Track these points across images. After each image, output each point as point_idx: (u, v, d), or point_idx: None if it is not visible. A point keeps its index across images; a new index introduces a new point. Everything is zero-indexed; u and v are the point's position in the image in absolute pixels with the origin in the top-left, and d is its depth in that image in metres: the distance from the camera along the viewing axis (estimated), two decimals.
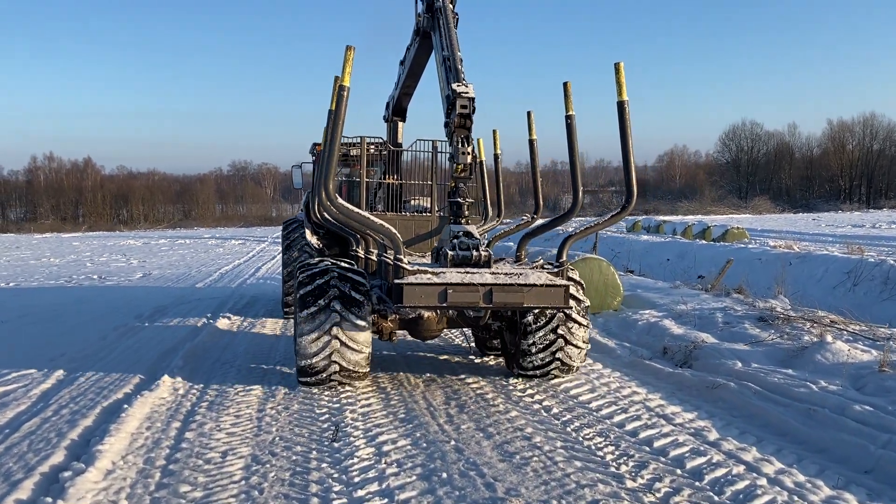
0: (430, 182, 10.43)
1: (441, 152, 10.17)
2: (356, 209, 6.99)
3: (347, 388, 7.29)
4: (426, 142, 10.30)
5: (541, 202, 9.50)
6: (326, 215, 8.60)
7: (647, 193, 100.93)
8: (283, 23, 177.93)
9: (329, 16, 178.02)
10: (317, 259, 7.70)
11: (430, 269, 6.49)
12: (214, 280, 19.19)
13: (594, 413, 6.46)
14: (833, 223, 44.42)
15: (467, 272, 6.49)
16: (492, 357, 8.88)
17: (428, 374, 7.92)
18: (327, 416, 6.36)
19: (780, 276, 14.39)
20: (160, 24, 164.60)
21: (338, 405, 6.70)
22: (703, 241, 26.63)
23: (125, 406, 6.28)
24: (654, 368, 8.17)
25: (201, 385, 7.40)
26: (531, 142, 9.22)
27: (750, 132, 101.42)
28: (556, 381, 7.61)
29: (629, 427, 6.05)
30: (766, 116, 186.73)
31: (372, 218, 6.96)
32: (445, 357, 8.90)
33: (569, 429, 5.99)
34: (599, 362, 8.56)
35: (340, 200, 6.79)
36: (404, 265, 6.44)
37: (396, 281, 6.34)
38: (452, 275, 6.41)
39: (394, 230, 6.82)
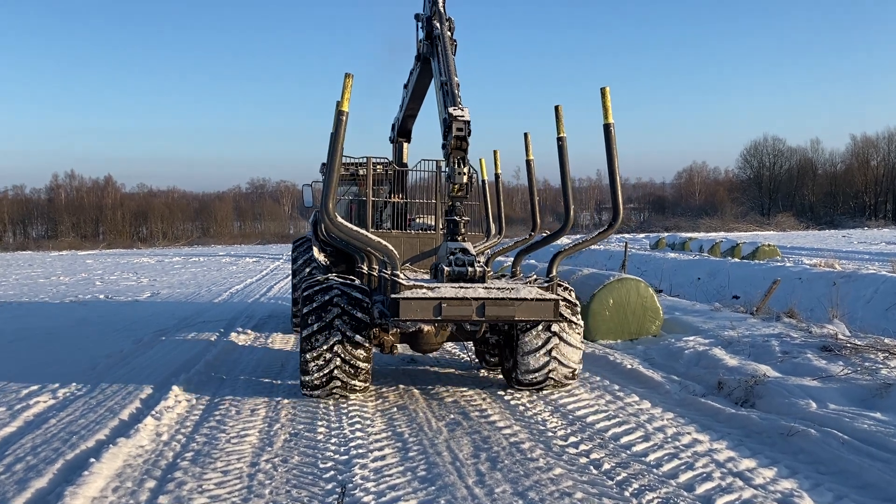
0: (434, 201, 10.78)
1: (445, 171, 9.93)
2: (354, 227, 7.20)
3: (358, 433, 6.27)
4: (431, 162, 10.67)
5: (538, 220, 9.68)
6: (331, 234, 9.19)
7: (667, 210, 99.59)
8: (301, 41, 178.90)
9: (348, 35, 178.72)
10: (322, 276, 7.83)
11: (425, 284, 6.69)
12: (223, 300, 18.25)
13: (654, 470, 5.37)
14: (865, 240, 42.93)
15: (461, 287, 6.70)
16: (492, 371, 8.93)
17: (452, 416, 6.86)
18: (332, 472, 5.32)
19: (830, 297, 13.24)
20: (181, 44, 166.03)
21: (346, 456, 5.67)
22: (735, 260, 25.37)
23: (91, 460, 5.27)
24: (712, 408, 7.06)
25: (188, 429, 6.39)
26: (528, 162, 9.44)
27: (772, 148, 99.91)
28: (600, 423, 6.53)
29: (701, 490, 4.94)
30: (789, 132, 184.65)
31: (369, 236, 7.21)
32: (469, 394, 7.84)
33: (627, 492, 4.90)
34: (647, 399, 7.47)
35: (340, 219, 7.01)
36: (401, 280, 6.65)
37: (393, 295, 6.56)
38: (447, 289, 6.62)
39: (390, 247, 7.03)
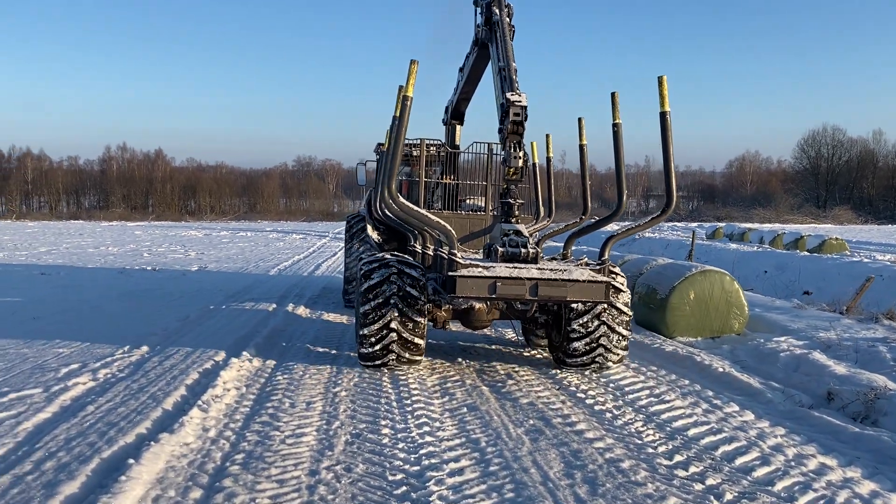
0: (485, 182, 11.12)
1: (496, 154, 10.83)
2: (415, 207, 7.57)
3: (428, 437, 5.52)
4: (482, 144, 10.99)
5: (589, 204, 9.80)
6: (387, 212, 9.29)
7: (717, 200, 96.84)
8: (346, 22, 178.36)
9: (394, 17, 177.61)
10: (379, 254, 8.01)
11: (480, 264, 6.94)
12: (272, 277, 17.71)
13: None
14: None
15: (515, 267, 6.93)
16: (540, 351, 9.01)
17: (531, 422, 6.06)
18: (404, 487, 4.56)
19: None
20: (228, 22, 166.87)
21: (417, 467, 4.91)
22: (804, 253, 23.97)
23: (130, 461, 4.60)
24: (829, 424, 6.13)
25: (238, 424, 5.72)
26: (581, 147, 9.41)
27: (831, 138, 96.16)
28: (705, 439, 5.66)
29: None
30: (849, 122, 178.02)
31: (429, 215, 7.56)
32: (545, 395, 7.03)
33: None
34: (749, 410, 6.56)
35: (402, 199, 7.40)
36: (458, 259, 6.90)
37: (450, 273, 6.83)
38: (501, 269, 6.86)
39: (449, 227, 7.35)
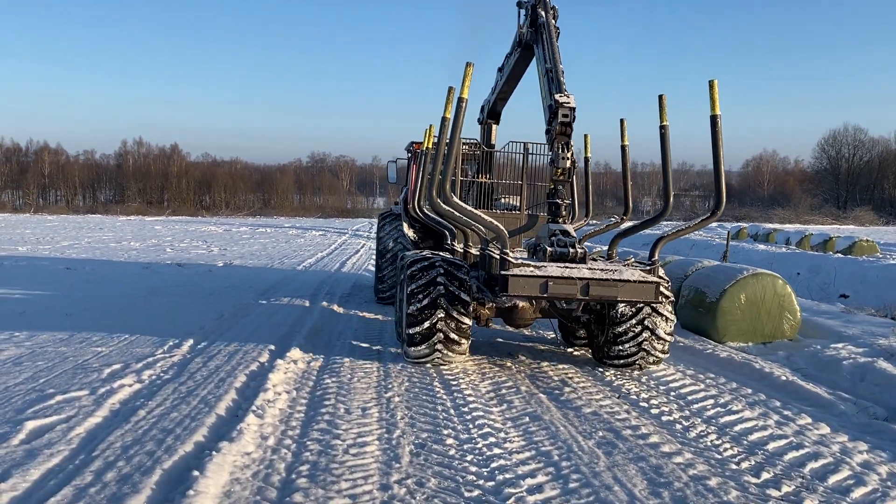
0: (520, 182, 11.20)
1: (532, 154, 11.06)
2: (468, 207, 7.68)
3: (496, 449, 5.25)
4: (518, 143, 11.06)
5: (630, 204, 9.85)
6: (426, 210, 10.19)
7: (733, 199, 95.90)
8: (363, 17, 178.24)
9: (413, 12, 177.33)
10: (425, 254, 8.13)
11: (532, 263, 6.98)
12: (299, 273, 17.49)
13: None
14: None
15: (566, 267, 6.96)
16: (577, 349, 9.15)
17: (601, 434, 5.77)
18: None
19: None
20: (244, 16, 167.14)
21: (492, 483, 4.63)
22: (837, 255, 23.50)
23: (195, 473, 4.35)
24: None
25: (296, 432, 5.46)
26: (623, 147, 9.49)
27: (853, 138, 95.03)
28: (788, 455, 5.35)
29: None
30: (870, 122, 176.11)
31: (482, 215, 7.64)
32: (607, 404, 6.74)
33: None
34: (823, 422, 6.24)
35: (456, 199, 7.51)
36: (510, 259, 6.91)
37: (503, 272, 6.84)
38: (553, 269, 6.91)
39: (502, 227, 7.42)
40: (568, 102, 7.34)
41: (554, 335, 9.86)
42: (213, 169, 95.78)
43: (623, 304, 7.71)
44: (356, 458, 4.94)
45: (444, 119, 7.70)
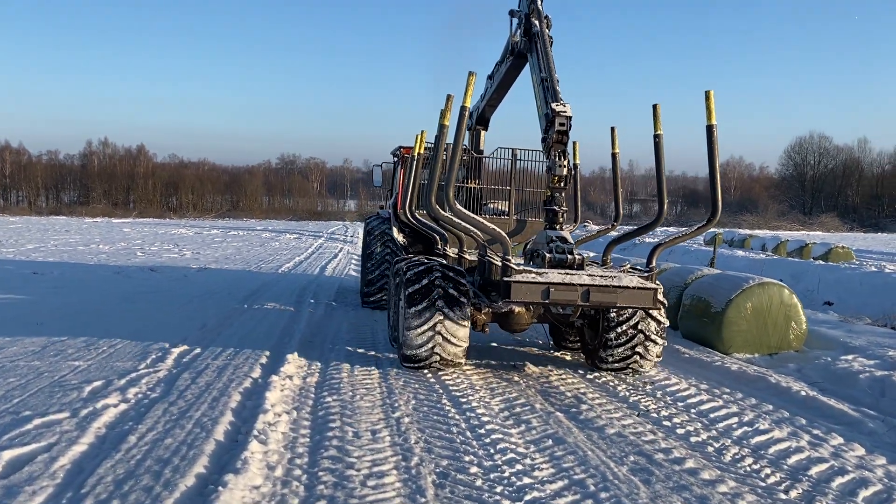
0: (509, 187, 11.37)
1: (520, 160, 11.28)
2: (472, 214, 7.74)
3: (525, 478, 4.82)
4: (507, 149, 11.24)
5: (620, 211, 9.92)
6: (418, 215, 10.41)
7: (701, 205, 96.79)
8: (332, 19, 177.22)
9: (386, 13, 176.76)
10: (421, 257, 8.33)
11: (534, 270, 7.06)
12: (278, 278, 16.90)
13: None
14: None
15: (567, 273, 7.06)
16: (570, 353, 9.20)
17: (632, 458, 5.37)
18: None
19: None
20: (210, 15, 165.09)
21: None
22: (818, 262, 23.51)
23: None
24: None
25: (304, 461, 4.97)
26: (613, 155, 9.70)
27: (818, 146, 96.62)
28: (836, 481, 5.01)
29: None
30: (835, 130, 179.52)
31: (485, 222, 7.66)
32: (629, 423, 6.35)
33: None
34: (856, 442, 5.93)
35: (459, 206, 7.57)
36: (513, 266, 6.98)
37: (506, 279, 6.92)
38: (554, 275, 7.01)
39: (504, 234, 7.43)
40: (564, 111, 7.47)
41: (546, 339, 9.85)
42: (180, 170, 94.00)
43: (617, 312, 7.86)
44: (376, 492, 4.47)
45: (442, 126, 7.85)
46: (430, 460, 5.08)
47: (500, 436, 5.72)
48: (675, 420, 6.40)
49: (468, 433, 5.76)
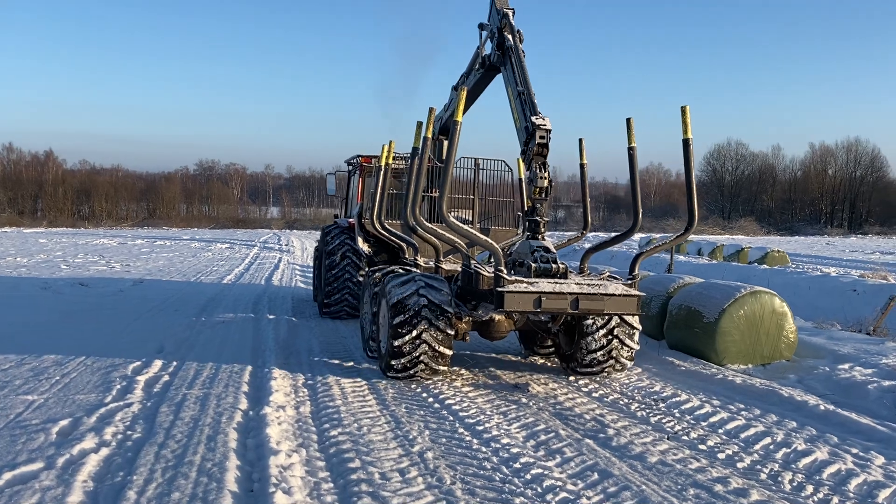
0: (471, 196, 11.61)
1: (483, 169, 11.60)
2: (458, 223, 7.55)
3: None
4: (469, 159, 11.55)
5: (589, 219, 10.12)
6: (386, 225, 10.33)
7: (622, 210, 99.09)
8: (251, 21, 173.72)
9: (309, 17, 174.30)
10: (404, 269, 8.46)
11: (525, 280, 7.16)
12: (224, 291, 15.88)
13: None
14: (857, 248, 42.50)
15: (557, 282, 7.19)
16: (540, 358, 9.39)
17: (692, 491, 4.91)
18: None
19: None
20: (126, 19, 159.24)
21: None
22: (764, 266, 23.94)
23: None
24: None
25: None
26: (581, 166, 9.81)
27: (735, 152, 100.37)
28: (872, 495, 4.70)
29: None
30: (751, 137, 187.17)
31: (477, 234, 7.70)
32: (663, 449, 5.92)
33: None
34: (882, 455, 5.69)
35: (452, 219, 7.42)
36: (504, 276, 7.05)
37: (499, 289, 7.00)
38: (545, 284, 7.12)
39: (496, 245, 7.50)
40: (544, 125, 7.65)
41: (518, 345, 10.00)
42: (92, 176, 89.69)
43: (594, 318, 8.10)
44: None
45: (425, 139, 8.02)
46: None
47: (540, 471, 5.18)
48: (710, 443, 6.01)
49: (504, 468, 5.20)
